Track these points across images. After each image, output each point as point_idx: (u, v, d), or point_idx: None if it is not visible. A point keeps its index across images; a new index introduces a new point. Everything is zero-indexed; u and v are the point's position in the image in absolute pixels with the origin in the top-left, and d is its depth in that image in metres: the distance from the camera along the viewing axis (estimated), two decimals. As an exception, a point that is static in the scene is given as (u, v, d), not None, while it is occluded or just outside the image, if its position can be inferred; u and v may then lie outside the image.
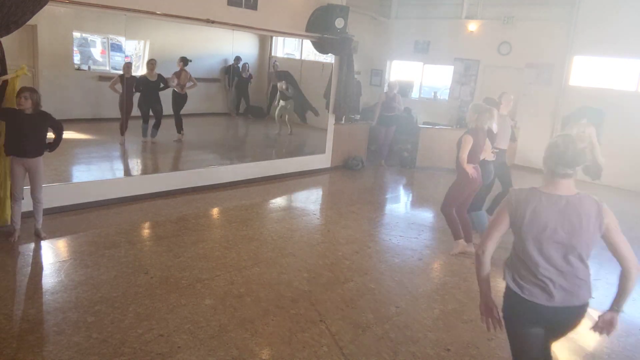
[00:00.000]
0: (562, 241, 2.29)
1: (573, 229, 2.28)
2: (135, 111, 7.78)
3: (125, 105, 7.11)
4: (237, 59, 9.75)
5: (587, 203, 2.32)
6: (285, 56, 11.33)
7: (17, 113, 4.29)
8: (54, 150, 4.60)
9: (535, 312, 2.34)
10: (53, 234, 4.82)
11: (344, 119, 9.01)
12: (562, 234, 2.28)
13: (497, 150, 5.56)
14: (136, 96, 7.77)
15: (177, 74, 8.28)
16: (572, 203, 2.29)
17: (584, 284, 2.44)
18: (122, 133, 7.34)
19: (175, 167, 7.68)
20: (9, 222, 4.63)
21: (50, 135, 4.58)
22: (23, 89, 4.31)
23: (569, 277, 2.36)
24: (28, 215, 4.69)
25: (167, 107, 8.20)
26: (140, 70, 8.41)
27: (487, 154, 5.29)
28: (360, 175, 8.80)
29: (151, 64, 7.88)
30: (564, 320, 2.45)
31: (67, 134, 7.52)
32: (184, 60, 8.29)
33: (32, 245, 4.51)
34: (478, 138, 4.84)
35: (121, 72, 7.56)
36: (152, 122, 8.06)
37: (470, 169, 4.82)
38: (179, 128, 8.46)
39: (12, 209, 4.51)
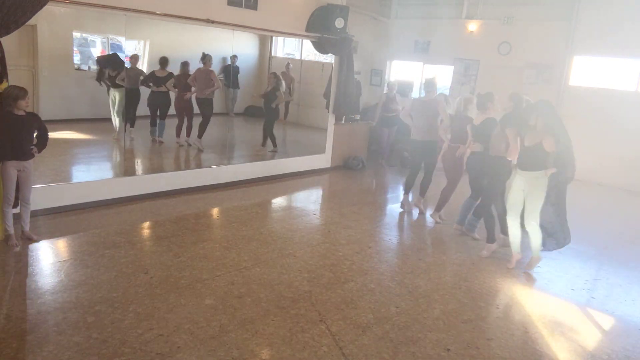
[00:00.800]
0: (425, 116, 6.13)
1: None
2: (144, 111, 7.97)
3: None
4: (234, 57, 9.72)
5: (436, 101, 6.23)
6: (285, 56, 11.32)
7: (12, 116, 4.24)
8: (40, 152, 4.52)
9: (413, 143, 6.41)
10: (53, 234, 4.82)
11: (344, 119, 9.01)
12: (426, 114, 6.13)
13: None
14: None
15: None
16: (428, 101, 6.18)
17: (434, 131, 6.22)
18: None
19: (175, 167, 7.68)
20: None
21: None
22: (23, 91, 4.23)
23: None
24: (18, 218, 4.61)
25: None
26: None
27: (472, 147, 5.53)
28: (360, 175, 8.81)
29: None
30: (423, 146, 6.24)
31: (67, 134, 7.58)
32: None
33: (32, 245, 4.51)
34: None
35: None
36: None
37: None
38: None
39: (5, 215, 4.38)
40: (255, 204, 6.52)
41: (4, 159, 4.27)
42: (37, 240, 4.57)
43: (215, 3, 6.40)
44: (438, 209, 6.27)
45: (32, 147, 4.42)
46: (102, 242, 4.72)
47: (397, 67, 12.48)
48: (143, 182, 6.24)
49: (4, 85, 4.35)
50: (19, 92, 4.22)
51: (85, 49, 8.67)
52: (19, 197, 4.50)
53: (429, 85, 6.34)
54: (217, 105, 10.60)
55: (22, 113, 4.28)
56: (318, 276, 4.39)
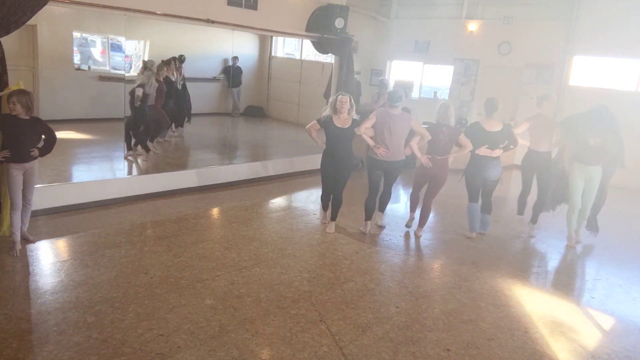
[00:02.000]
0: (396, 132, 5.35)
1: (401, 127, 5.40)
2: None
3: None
4: (235, 58, 9.76)
5: (405, 115, 5.51)
6: (285, 56, 11.34)
7: (14, 119, 4.21)
8: (44, 156, 4.45)
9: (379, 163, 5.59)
10: (53, 234, 4.82)
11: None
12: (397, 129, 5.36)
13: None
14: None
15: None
16: (399, 116, 5.40)
17: (400, 151, 5.46)
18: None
19: (175, 167, 7.68)
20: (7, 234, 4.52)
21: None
22: (10, 95, 4.18)
23: (396, 146, 5.42)
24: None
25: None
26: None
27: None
28: (360, 175, 8.79)
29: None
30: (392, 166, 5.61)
31: (67, 134, 7.59)
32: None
33: (32, 245, 4.51)
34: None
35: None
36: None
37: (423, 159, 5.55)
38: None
39: (11, 219, 4.34)
40: (255, 204, 6.52)
41: (7, 161, 4.27)
42: (34, 242, 4.56)
43: (215, 3, 6.40)
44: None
45: (33, 149, 4.38)
46: (102, 242, 4.72)
47: (397, 67, 12.48)
48: (143, 182, 6.24)
49: (18, 87, 4.31)
50: (8, 95, 4.17)
51: (85, 49, 8.68)
52: (22, 197, 4.49)
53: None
54: (218, 105, 10.64)
55: (25, 117, 4.26)
56: (318, 276, 4.39)
